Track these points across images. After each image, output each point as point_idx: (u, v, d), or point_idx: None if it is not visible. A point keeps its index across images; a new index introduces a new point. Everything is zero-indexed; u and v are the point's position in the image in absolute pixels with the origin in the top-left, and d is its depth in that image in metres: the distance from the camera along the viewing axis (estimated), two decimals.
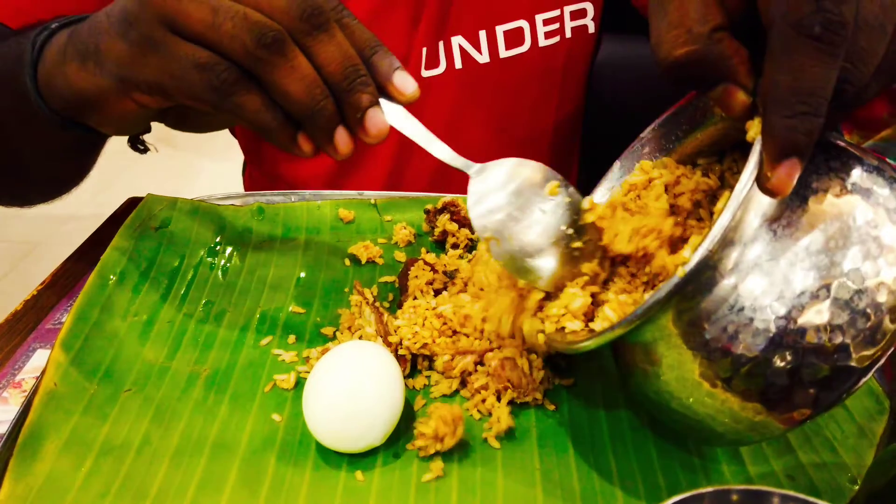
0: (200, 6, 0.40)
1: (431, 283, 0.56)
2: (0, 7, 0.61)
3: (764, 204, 0.35)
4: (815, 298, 0.34)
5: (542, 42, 0.76)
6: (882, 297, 0.34)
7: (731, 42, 0.33)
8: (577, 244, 0.44)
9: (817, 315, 0.34)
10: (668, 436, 0.46)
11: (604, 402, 0.49)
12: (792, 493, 0.30)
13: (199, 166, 2.45)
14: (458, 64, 0.75)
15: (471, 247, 0.63)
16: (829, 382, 0.34)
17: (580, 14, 0.77)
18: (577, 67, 0.82)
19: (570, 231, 0.44)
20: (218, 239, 0.62)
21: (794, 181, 0.32)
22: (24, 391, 0.51)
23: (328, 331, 0.54)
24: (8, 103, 0.52)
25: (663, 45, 0.34)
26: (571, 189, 0.45)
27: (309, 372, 0.48)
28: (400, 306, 0.54)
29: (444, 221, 0.63)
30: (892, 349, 0.35)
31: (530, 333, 0.44)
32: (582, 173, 0.92)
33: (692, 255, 0.34)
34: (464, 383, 0.49)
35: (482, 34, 0.74)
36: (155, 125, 0.56)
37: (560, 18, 0.76)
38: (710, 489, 0.31)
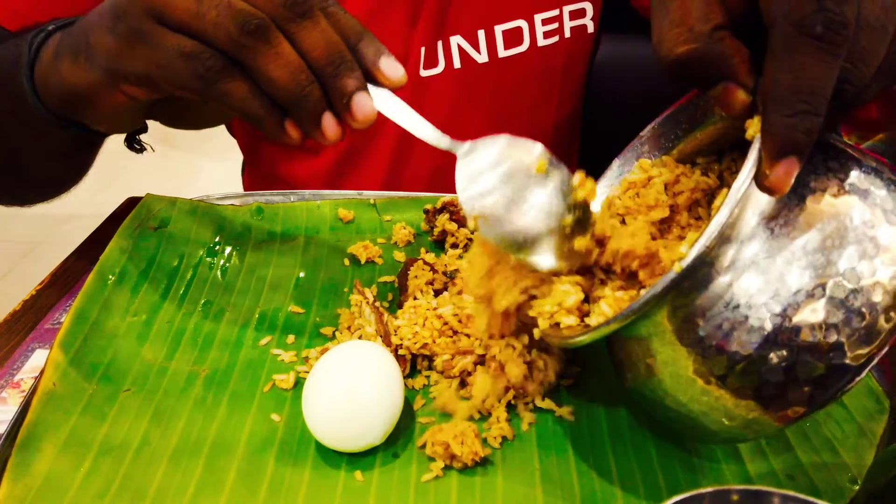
0: None
1: (431, 283, 0.56)
2: None
3: (762, 202, 0.35)
4: (810, 297, 0.34)
5: (541, 42, 0.76)
6: (877, 297, 0.34)
7: (732, 41, 0.33)
8: (569, 220, 0.43)
9: (812, 313, 0.34)
10: (668, 435, 0.46)
11: (603, 402, 0.49)
12: (792, 493, 0.30)
13: (198, 166, 2.45)
14: (457, 64, 0.75)
15: (470, 246, 0.63)
16: (823, 381, 0.34)
17: (579, 14, 0.77)
18: (577, 67, 0.82)
19: (562, 207, 0.44)
20: (217, 239, 0.62)
21: (793, 180, 0.32)
22: (22, 391, 0.51)
23: (327, 331, 0.54)
24: (6, 104, 0.53)
25: (665, 42, 0.34)
26: (562, 165, 0.45)
27: (308, 372, 0.48)
28: (400, 306, 0.54)
29: (443, 221, 0.63)
30: (886, 348, 0.35)
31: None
32: None
33: (689, 251, 0.33)
34: (463, 383, 0.49)
35: (481, 34, 0.74)
36: (153, 126, 0.57)
37: (559, 18, 0.76)
38: (710, 489, 0.30)
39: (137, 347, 0.51)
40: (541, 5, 0.75)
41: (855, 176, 0.36)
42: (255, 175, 0.86)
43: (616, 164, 0.47)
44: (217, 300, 0.57)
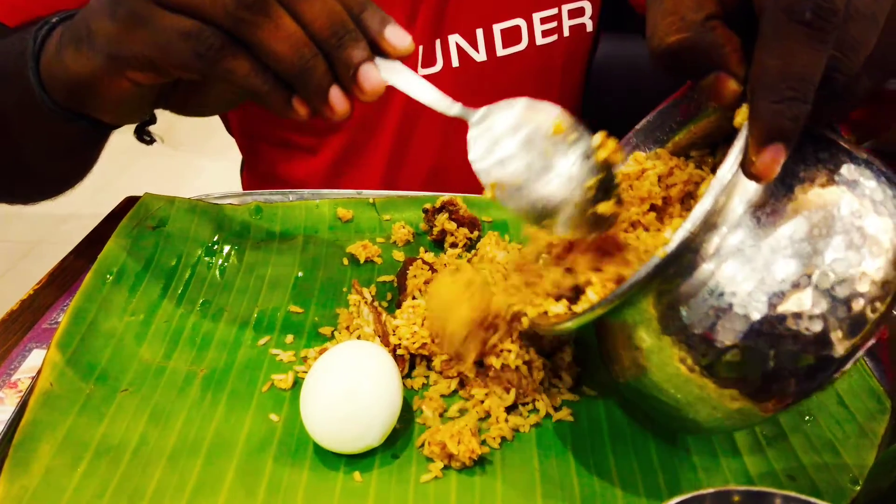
0: None
1: (430, 283, 0.56)
2: None
3: (749, 191, 0.35)
4: (796, 286, 0.34)
5: (540, 41, 0.76)
6: (863, 287, 0.34)
7: (723, 30, 0.33)
8: (591, 183, 0.41)
9: (798, 303, 0.34)
10: (668, 435, 0.46)
11: (604, 402, 0.48)
12: (793, 493, 0.30)
13: (198, 166, 2.44)
14: (455, 62, 0.74)
15: (470, 246, 0.63)
16: (807, 371, 0.34)
17: (578, 13, 0.77)
18: (575, 66, 0.81)
19: (584, 171, 0.41)
20: (216, 238, 0.62)
21: (779, 166, 0.32)
22: (19, 391, 0.51)
23: (326, 330, 0.54)
24: (13, 99, 0.53)
25: (657, 32, 0.34)
26: (582, 127, 0.42)
27: (307, 372, 0.48)
28: (398, 306, 0.54)
29: (442, 220, 0.63)
30: (872, 340, 0.35)
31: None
32: None
33: (673, 237, 0.33)
34: (462, 384, 0.49)
35: (479, 32, 0.74)
36: (158, 124, 0.56)
37: (558, 17, 0.76)
38: (711, 490, 0.30)
39: (135, 347, 0.51)
40: (539, 4, 0.75)
41: (845, 167, 0.36)
42: (254, 174, 0.86)
43: None
44: (215, 300, 0.56)
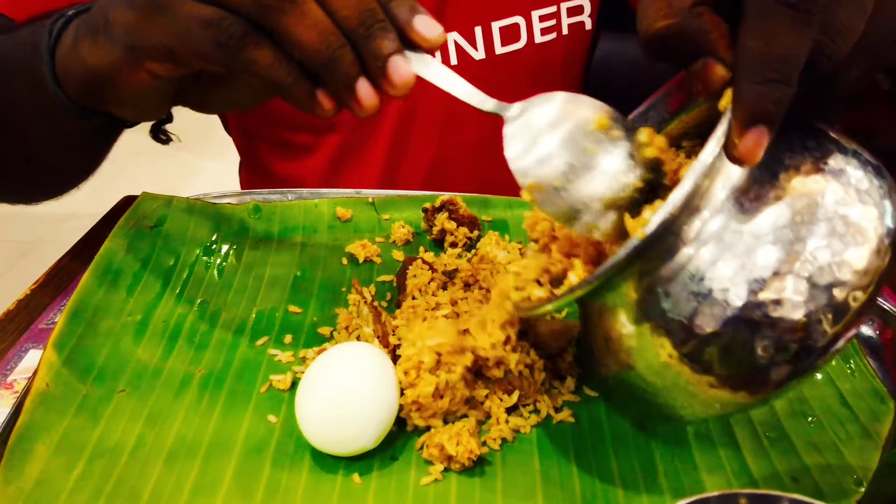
0: None
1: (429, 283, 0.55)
2: None
3: (733, 176, 0.35)
4: (777, 273, 0.33)
5: (539, 38, 0.75)
6: (846, 276, 0.33)
7: (711, 16, 0.33)
8: (637, 184, 0.38)
9: (778, 290, 0.33)
10: (670, 436, 0.45)
11: (605, 403, 0.48)
12: (800, 497, 0.30)
13: (199, 166, 2.44)
14: (454, 60, 0.74)
15: (469, 245, 0.62)
16: (787, 359, 0.34)
17: (577, 11, 0.77)
18: (574, 64, 0.81)
19: (629, 170, 0.39)
20: (214, 237, 0.62)
21: (762, 149, 0.32)
22: (15, 392, 0.51)
23: (325, 331, 0.53)
24: (24, 94, 0.51)
25: (646, 17, 0.34)
26: (628, 122, 0.40)
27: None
28: (398, 306, 0.53)
29: (442, 220, 0.62)
30: (854, 330, 0.34)
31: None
32: None
33: (653, 218, 0.33)
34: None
35: (478, 30, 0.73)
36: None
37: (556, 15, 0.76)
38: (716, 493, 0.30)
39: (132, 347, 0.51)
40: (538, 2, 0.74)
41: (831, 156, 0.35)
42: (252, 173, 0.86)
43: None
44: (213, 300, 0.56)
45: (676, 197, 0.32)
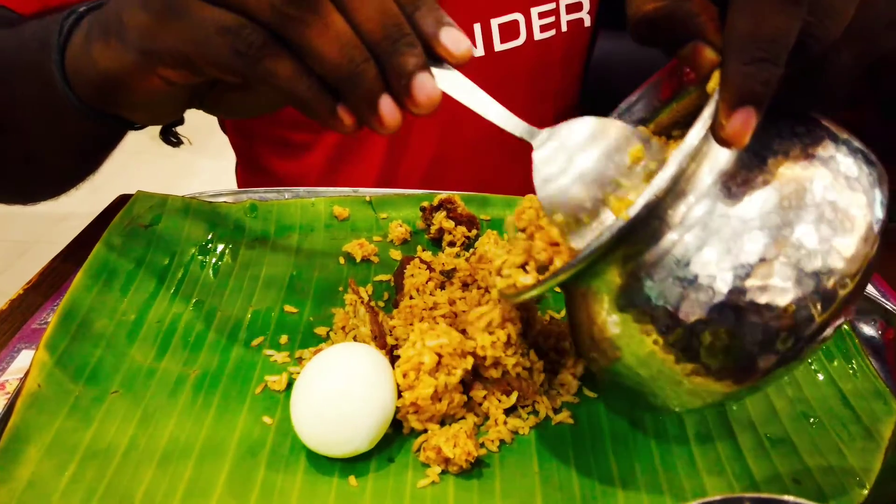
0: None
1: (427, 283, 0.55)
2: None
3: (720, 161, 0.34)
4: (763, 259, 0.33)
5: (538, 35, 0.75)
6: (832, 263, 0.33)
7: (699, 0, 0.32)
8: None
9: (765, 276, 0.32)
10: (671, 437, 0.45)
11: (603, 403, 0.47)
12: (804, 500, 0.29)
13: (197, 166, 2.43)
14: None
15: (468, 244, 0.62)
16: (773, 346, 0.33)
17: (576, 7, 0.76)
18: (573, 61, 0.81)
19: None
20: (209, 237, 0.61)
21: (750, 131, 0.31)
22: (7, 393, 0.50)
23: (321, 331, 0.53)
24: (31, 93, 0.50)
25: (635, 1, 0.33)
26: (661, 145, 0.38)
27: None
28: (395, 305, 0.53)
29: (440, 219, 0.62)
30: (843, 318, 0.34)
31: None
32: None
33: (637, 200, 0.32)
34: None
35: (477, 27, 0.73)
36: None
37: (556, 12, 0.75)
38: (718, 497, 0.29)
39: (126, 348, 0.50)
40: None
41: (821, 142, 0.35)
42: (249, 171, 0.85)
43: None
44: (208, 299, 0.55)
45: (661, 179, 0.32)
